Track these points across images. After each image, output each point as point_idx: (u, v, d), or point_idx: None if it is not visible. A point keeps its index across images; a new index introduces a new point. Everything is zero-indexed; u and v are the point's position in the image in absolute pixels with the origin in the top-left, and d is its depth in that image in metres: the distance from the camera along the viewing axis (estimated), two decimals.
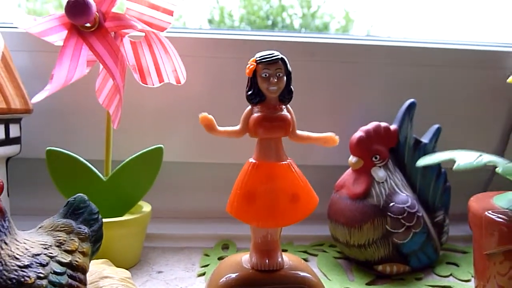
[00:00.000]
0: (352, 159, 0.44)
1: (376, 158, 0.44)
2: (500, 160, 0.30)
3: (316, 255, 0.48)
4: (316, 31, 1.52)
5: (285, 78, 0.30)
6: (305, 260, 0.46)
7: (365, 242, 0.42)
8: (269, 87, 0.30)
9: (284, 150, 0.33)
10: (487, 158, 0.30)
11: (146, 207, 0.46)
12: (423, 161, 0.34)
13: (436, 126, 0.49)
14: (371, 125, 0.44)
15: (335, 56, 0.53)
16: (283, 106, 0.32)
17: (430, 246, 0.44)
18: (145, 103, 0.52)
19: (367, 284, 0.41)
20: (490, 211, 0.31)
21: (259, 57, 0.30)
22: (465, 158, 0.30)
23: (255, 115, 0.31)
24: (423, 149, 0.47)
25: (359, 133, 0.44)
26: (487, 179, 0.58)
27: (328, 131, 0.33)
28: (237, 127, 0.32)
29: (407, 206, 0.42)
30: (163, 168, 0.45)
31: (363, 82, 0.54)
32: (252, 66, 0.30)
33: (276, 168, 0.31)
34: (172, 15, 0.42)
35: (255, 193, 0.30)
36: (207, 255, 0.47)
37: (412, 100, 0.47)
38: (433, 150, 0.48)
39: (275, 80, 0.30)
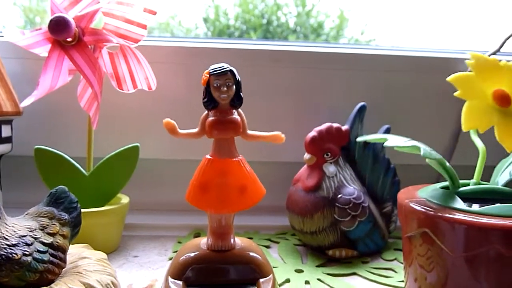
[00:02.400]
0: (306, 156, 0.49)
1: (327, 155, 0.48)
2: (424, 146, 0.34)
3: (278, 242, 0.53)
4: (310, 30, 1.57)
5: (234, 87, 0.35)
6: (268, 247, 0.52)
7: (316, 230, 0.47)
8: (220, 95, 0.34)
9: (237, 148, 0.37)
10: (413, 142, 0.34)
11: (124, 199, 0.50)
12: (361, 138, 0.38)
13: (386, 126, 0.53)
14: (324, 126, 0.49)
15: (297, 63, 0.57)
16: (234, 111, 0.36)
17: (377, 233, 0.49)
18: (124, 106, 0.56)
19: (318, 266, 0.46)
20: (409, 200, 0.36)
21: (211, 69, 0.35)
22: (395, 140, 0.34)
23: (210, 119, 0.36)
24: (372, 147, 0.52)
25: (313, 132, 0.48)
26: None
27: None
28: (196, 130, 0.37)
29: (353, 198, 0.47)
30: (141, 165, 0.49)
31: (323, 87, 0.59)
32: (206, 77, 0.35)
33: (228, 164, 0.36)
34: (145, 29, 0.47)
35: (208, 184, 0.35)
36: (180, 242, 0.52)
37: (363, 103, 0.52)
38: (382, 148, 0.53)
39: (225, 89, 0.34)
